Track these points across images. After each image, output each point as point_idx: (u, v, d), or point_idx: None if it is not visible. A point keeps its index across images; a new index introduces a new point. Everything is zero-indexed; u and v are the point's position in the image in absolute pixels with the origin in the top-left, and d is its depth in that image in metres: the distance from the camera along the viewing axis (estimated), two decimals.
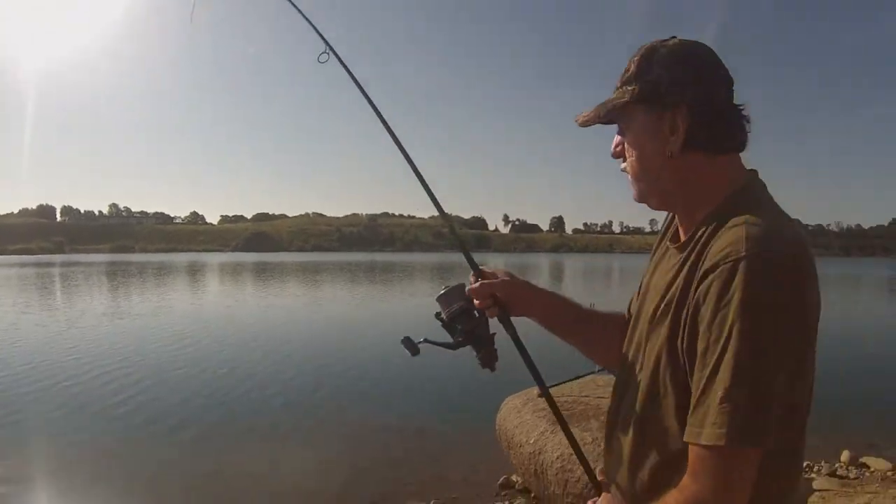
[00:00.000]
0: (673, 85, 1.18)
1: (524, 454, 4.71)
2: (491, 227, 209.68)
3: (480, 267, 1.58)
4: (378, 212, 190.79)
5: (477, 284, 1.51)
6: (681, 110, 1.17)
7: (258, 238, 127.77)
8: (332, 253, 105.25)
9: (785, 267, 1.01)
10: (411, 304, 24.28)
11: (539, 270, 55.50)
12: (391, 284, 37.81)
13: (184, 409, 8.60)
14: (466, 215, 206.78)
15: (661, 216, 1.44)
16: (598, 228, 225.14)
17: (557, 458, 4.30)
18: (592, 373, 5.40)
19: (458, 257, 1.77)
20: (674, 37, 1.24)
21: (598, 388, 5.22)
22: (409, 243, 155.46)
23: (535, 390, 5.63)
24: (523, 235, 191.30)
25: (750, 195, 1.17)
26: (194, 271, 55.96)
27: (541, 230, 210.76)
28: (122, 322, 18.73)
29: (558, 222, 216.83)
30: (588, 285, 37.81)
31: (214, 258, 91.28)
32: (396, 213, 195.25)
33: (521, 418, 5.00)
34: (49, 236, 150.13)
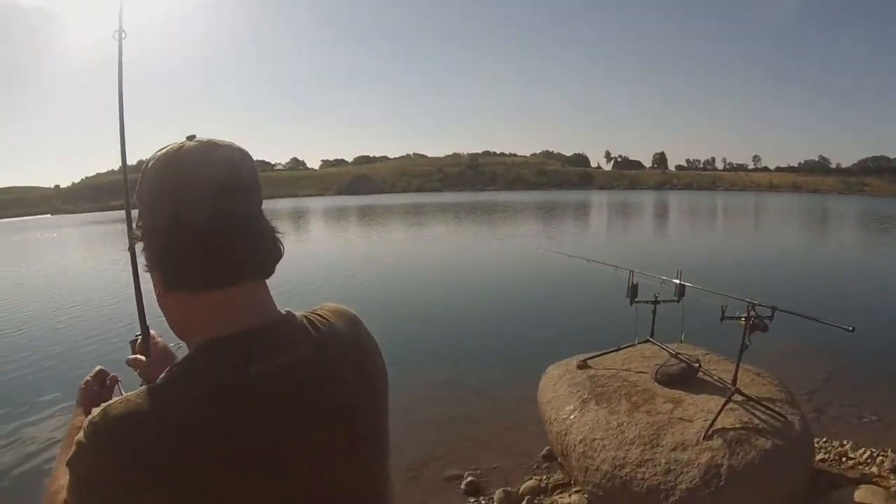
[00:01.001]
0: (142, 213, 1.04)
1: (553, 432, 4.49)
2: (593, 164, 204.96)
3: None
4: (479, 150, 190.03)
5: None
6: (146, 240, 1.03)
7: (360, 181, 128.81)
8: (434, 193, 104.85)
9: (98, 446, 0.91)
10: (506, 247, 24.03)
11: (643, 209, 53.98)
12: (491, 226, 36.98)
13: None
14: (568, 152, 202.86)
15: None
16: (701, 165, 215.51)
17: (580, 441, 4.04)
18: (638, 343, 5.10)
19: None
20: (191, 136, 1.04)
21: (643, 359, 4.90)
22: (511, 181, 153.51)
23: (576, 361, 5.39)
24: (626, 172, 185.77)
25: (209, 353, 0.99)
26: (296, 216, 57.09)
27: (643, 167, 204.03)
28: None
29: (661, 158, 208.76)
30: (695, 226, 36.45)
31: (316, 203, 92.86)
32: (497, 152, 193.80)
33: (556, 392, 4.76)
34: None
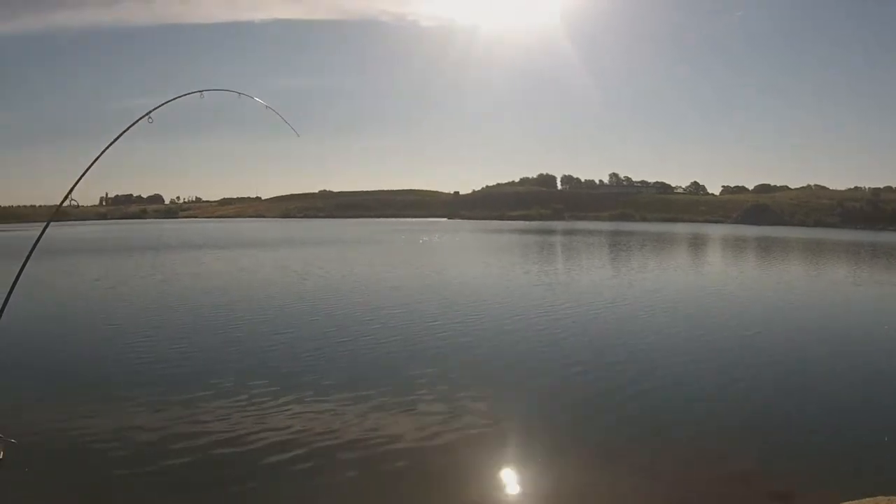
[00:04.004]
0: None
1: None
2: None
3: None
4: (881, 185, 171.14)
5: None
6: None
7: (758, 210, 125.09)
8: (832, 229, 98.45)
9: None
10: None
11: None
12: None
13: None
14: None
15: None
16: None
17: None
18: None
19: None
20: None
21: None
22: None
23: None
24: None
25: None
26: (693, 243, 59.53)
27: None
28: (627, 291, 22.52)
29: None
30: None
31: (714, 229, 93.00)
32: None
33: None
34: (549, 203, 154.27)
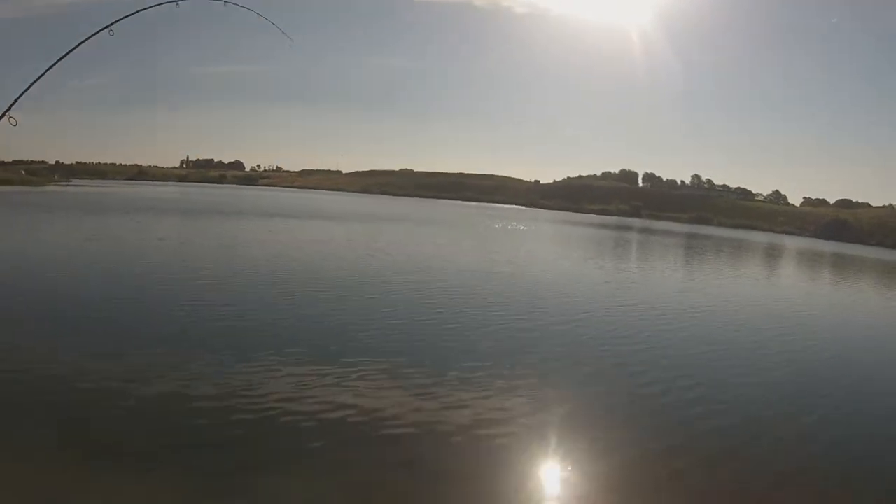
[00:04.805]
0: None
1: None
2: None
3: None
4: None
5: None
6: None
7: (837, 225, 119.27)
8: None
9: None
10: None
11: None
12: None
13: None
14: None
15: None
16: None
17: None
18: None
19: None
20: None
21: None
22: None
23: None
24: None
25: None
26: (770, 254, 57.96)
27: None
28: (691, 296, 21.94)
29: None
30: None
31: (791, 241, 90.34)
32: None
33: None
34: (629, 200, 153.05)
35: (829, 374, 12.76)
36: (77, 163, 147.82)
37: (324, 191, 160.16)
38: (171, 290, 15.37)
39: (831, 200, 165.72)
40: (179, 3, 6.34)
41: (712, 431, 8.57)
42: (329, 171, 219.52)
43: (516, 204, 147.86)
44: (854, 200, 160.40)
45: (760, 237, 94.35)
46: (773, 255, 57.07)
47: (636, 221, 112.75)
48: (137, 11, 6.04)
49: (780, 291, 28.49)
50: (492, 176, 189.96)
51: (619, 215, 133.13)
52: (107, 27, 5.58)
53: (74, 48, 5.52)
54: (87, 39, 5.55)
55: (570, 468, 7.13)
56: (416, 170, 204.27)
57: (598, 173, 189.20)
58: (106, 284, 15.76)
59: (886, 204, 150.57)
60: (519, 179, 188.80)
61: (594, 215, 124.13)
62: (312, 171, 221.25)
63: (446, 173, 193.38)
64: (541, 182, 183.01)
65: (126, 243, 24.89)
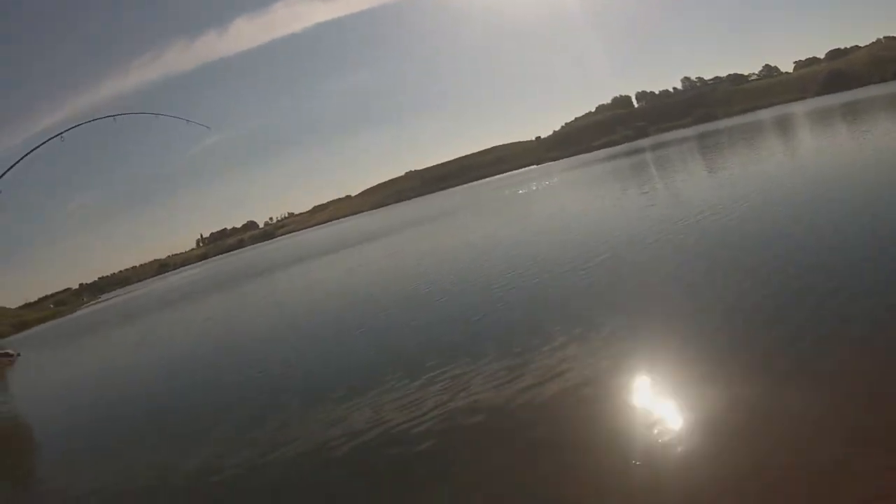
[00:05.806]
0: None
1: None
2: None
3: None
4: None
5: None
6: None
7: (834, 77, 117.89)
8: None
9: None
10: None
11: None
12: None
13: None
14: None
15: None
16: None
17: None
18: None
19: None
20: None
21: None
22: None
23: None
24: None
25: None
26: (780, 125, 56.20)
27: None
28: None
29: None
30: None
31: (796, 108, 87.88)
32: None
33: None
34: (630, 123, 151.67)
35: None
36: (100, 278, 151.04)
37: (342, 219, 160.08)
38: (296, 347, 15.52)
39: (821, 55, 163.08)
40: (116, 117, 7.04)
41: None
42: (340, 200, 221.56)
43: (525, 166, 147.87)
44: (844, 48, 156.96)
45: (766, 114, 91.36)
46: (784, 126, 54.92)
47: (645, 142, 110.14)
48: (83, 123, 6.88)
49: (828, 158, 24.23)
50: (494, 147, 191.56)
51: (626, 142, 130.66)
52: (58, 134, 6.69)
53: (28, 153, 6.80)
54: (40, 145, 6.84)
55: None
56: (418, 168, 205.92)
57: (594, 109, 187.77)
58: (187, 384, 15.44)
59: (874, 40, 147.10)
60: (519, 142, 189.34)
61: (603, 150, 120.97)
62: (323, 204, 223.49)
63: (449, 161, 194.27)
64: (542, 137, 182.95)
65: (177, 334, 25.39)
